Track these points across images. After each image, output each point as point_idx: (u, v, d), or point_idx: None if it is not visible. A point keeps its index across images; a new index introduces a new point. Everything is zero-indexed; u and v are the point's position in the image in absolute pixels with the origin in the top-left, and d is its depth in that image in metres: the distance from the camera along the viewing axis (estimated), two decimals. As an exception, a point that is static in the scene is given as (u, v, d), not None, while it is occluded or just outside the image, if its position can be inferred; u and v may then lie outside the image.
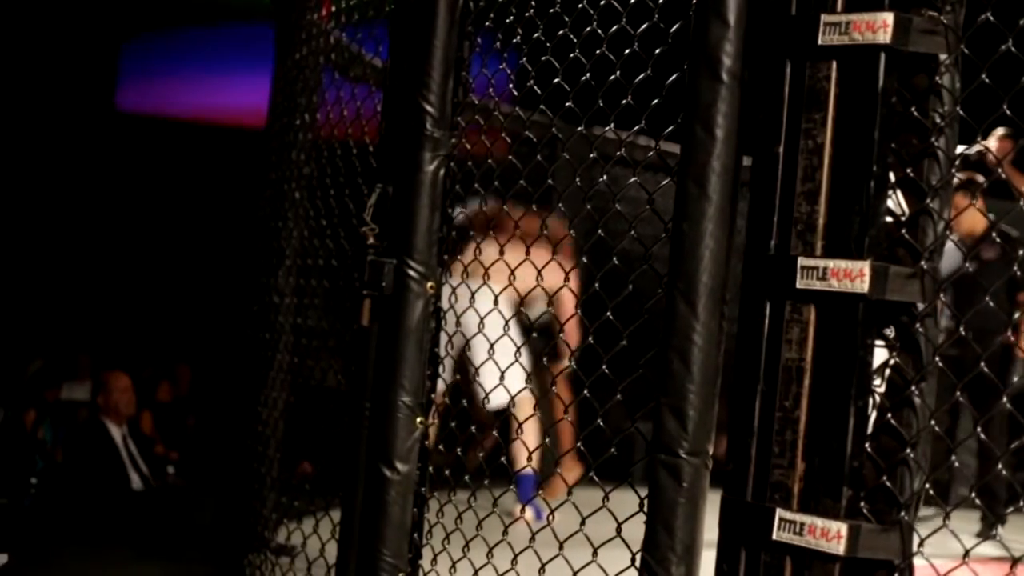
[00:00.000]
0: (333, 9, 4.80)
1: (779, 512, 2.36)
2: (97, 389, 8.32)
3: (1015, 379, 6.58)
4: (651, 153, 2.80)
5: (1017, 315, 6.74)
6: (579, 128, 2.97)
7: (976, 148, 6.04)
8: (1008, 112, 2.29)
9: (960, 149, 2.43)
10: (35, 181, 12.01)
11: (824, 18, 2.36)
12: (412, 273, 3.18)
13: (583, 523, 2.80)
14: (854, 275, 2.29)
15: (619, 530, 2.74)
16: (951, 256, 2.52)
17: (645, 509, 2.58)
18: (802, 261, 2.36)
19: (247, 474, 5.09)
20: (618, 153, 2.89)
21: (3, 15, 11.56)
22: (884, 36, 2.30)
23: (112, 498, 7.46)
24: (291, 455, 5.01)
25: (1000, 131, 6.96)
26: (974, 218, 6.71)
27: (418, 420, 3.19)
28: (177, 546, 5.65)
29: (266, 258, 5.04)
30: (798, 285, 2.36)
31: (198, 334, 11.65)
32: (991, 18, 2.29)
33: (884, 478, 2.32)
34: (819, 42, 2.37)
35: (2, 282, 11.95)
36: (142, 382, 9.10)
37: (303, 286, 4.93)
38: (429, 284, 3.18)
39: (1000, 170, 5.49)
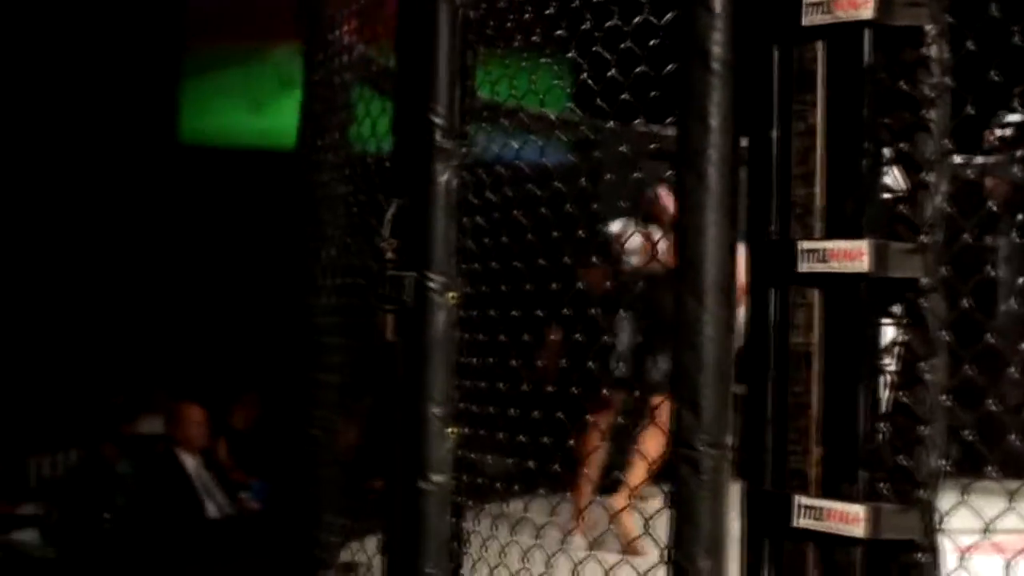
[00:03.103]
0: (356, 25, 4.83)
1: (798, 499, 2.34)
2: (170, 421, 8.40)
3: None
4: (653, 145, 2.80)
5: None
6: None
7: None
8: (997, 78, 2.26)
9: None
10: (98, 216, 12.15)
11: (806, -1, 2.35)
12: (433, 285, 3.18)
13: (610, 522, 2.79)
14: (854, 255, 2.27)
15: (646, 526, 2.73)
16: None
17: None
18: (802, 244, 2.34)
19: (311, 495, 5.12)
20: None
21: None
22: (867, 12, 2.28)
23: (187, 528, 7.54)
24: (356, 473, 5.02)
25: None
26: None
27: (449, 430, 3.19)
28: (249, 572, 5.69)
29: (307, 279, 5.06)
30: (800, 269, 2.34)
31: (265, 360, 11.75)
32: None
33: (901, 457, 2.30)
34: (804, 23, 2.35)
35: (75, 318, 12.10)
36: (216, 410, 9.13)
37: (343, 305, 4.95)
38: (450, 295, 3.18)
39: None
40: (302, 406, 4.90)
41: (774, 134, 2.40)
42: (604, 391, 5.29)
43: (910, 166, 2.32)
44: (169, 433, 8.31)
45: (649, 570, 2.66)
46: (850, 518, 2.27)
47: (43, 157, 11.80)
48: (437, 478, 3.18)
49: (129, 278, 12.42)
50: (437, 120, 3.20)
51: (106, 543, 7.15)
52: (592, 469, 5.26)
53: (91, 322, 12.20)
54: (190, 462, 8.11)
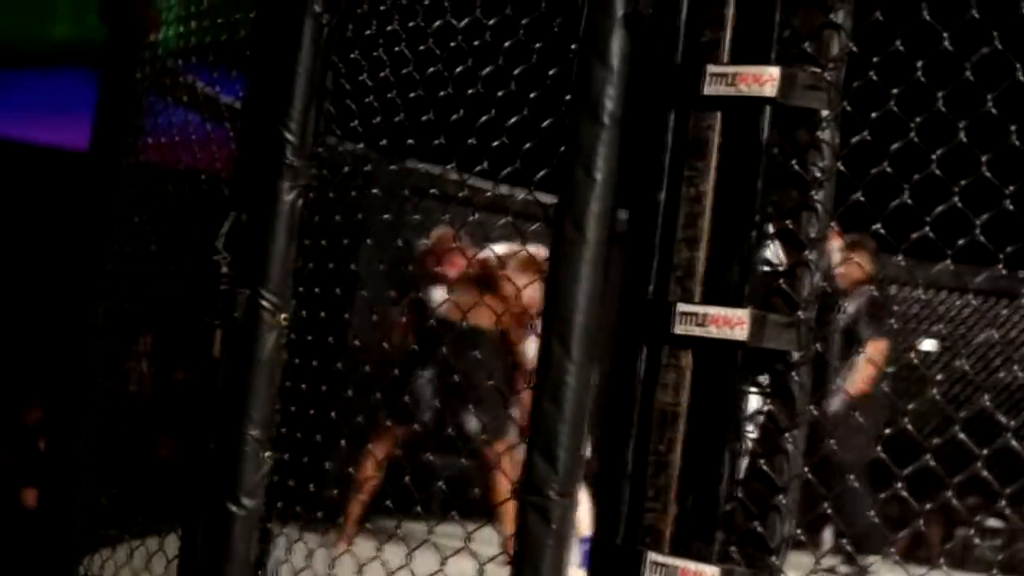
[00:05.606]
0: (160, 35, 4.73)
1: (650, 555, 2.36)
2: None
3: None
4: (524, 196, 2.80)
5: None
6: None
7: None
8: (889, 170, 2.36)
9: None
10: None
11: (710, 69, 2.39)
12: (266, 304, 3.11)
13: (444, 563, 2.77)
14: (734, 323, 2.32)
15: (481, 572, 2.72)
16: None
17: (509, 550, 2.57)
18: (681, 307, 2.37)
19: (55, 498, 4.93)
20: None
21: None
22: (770, 89, 2.33)
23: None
24: (101, 477, 4.85)
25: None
26: None
27: (266, 454, 3.12)
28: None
29: (81, 281, 4.88)
30: (676, 330, 2.37)
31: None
32: (874, 77, 2.36)
33: (755, 523, 2.35)
34: (704, 92, 2.39)
35: None
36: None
37: (115, 310, 4.82)
38: (282, 316, 3.12)
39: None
40: (72, 413, 4.72)
41: (662, 196, 2.44)
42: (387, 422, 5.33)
43: (792, 243, 2.39)
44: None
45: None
46: (701, 579, 2.31)
47: None
48: (248, 502, 3.10)
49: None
50: (290, 137, 3.13)
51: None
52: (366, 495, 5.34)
53: None
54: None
